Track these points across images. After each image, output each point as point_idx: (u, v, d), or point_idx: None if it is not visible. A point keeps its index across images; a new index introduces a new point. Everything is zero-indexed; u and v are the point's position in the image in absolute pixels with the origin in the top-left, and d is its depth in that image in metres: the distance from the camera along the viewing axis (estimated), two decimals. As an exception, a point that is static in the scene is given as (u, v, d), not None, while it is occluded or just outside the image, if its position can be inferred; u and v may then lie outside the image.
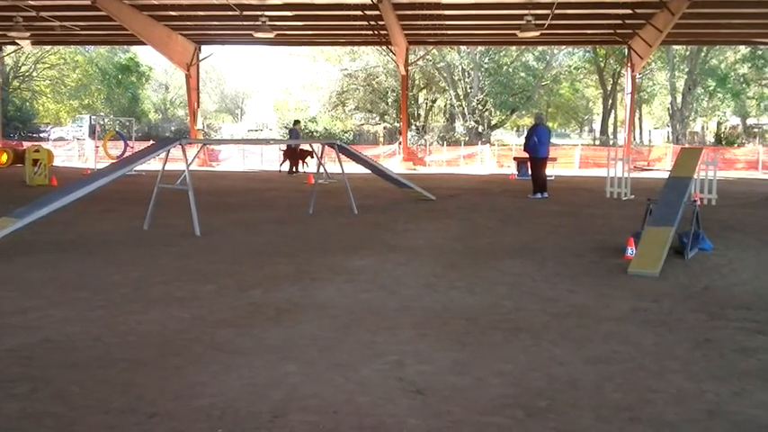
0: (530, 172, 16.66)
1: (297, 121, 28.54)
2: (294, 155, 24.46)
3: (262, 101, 64.36)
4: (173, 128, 47.25)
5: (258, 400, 3.64)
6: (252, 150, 31.53)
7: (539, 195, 15.29)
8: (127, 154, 22.09)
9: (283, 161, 25.11)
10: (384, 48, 31.20)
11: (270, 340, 4.72)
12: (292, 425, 3.35)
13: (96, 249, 8.38)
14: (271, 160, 31.18)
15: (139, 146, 23.36)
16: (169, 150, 10.69)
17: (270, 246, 8.79)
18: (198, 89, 30.71)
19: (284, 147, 25.52)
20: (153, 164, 17.57)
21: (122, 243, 8.89)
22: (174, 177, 10.83)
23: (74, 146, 33.68)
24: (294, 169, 24.36)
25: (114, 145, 26.47)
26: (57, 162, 25.84)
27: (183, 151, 10.31)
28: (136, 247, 8.55)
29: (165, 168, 10.59)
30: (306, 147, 24.18)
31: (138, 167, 13.60)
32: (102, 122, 37.24)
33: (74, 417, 3.44)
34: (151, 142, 14.14)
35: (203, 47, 30.29)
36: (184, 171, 10.15)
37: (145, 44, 27.89)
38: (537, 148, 15.42)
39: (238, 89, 71.37)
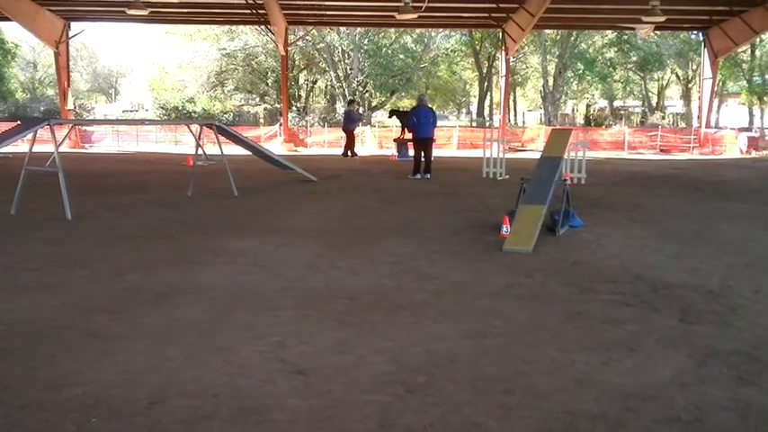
0: (411, 153, 16.91)
1: (351, 101, 26.50)
2: (349, 137, 23.50)
3: (137, 80, 62.35)
4: (42, 108, 44.94)
5: (135, 387, 3.56)
6: (127, 132, 30.51)
7: (418, 176, 15.51)
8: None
9: (349, 145, 23.73)
10: (263, 27, 30.82)
11: (147, 325, 4.61)
12: (171, 410, 3.30)
13: (-42, 236, 7.93)
14: (147, 142, 30.33)
15: (4, 127, 22.14)
16: (37, 131, 10.23)
17: (147, 229, 8.56)
18: (68, 68, 29.41)
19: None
20: (20, 145, 16.70)
21: (-13, 229, 8.45)
22: (43, 160, 10.34)
23: (-69, 127, 31.60)
24: (349, 153, 23.29)
25: (-24, 126, 25.02)
26: None
27: (52, 132, 9.87)
28: (3, 233, 8.14)
29: (34, 150, 10.11)
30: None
31: (4, 149, 12.90)
32: (-38, 102, 35.04)
33: (-65, 412, 3.27)
34: (17, 123, 13.44)
35: (73, 23, 28.99)
36: (54, 153, 9.73)
37: (10, 20, 26.40)
38: (417, 128, 15.63)
39: (112, 68, 68.79)
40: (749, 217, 9.88)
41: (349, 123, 23.71)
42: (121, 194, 12.04)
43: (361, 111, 25.45)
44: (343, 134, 24.42)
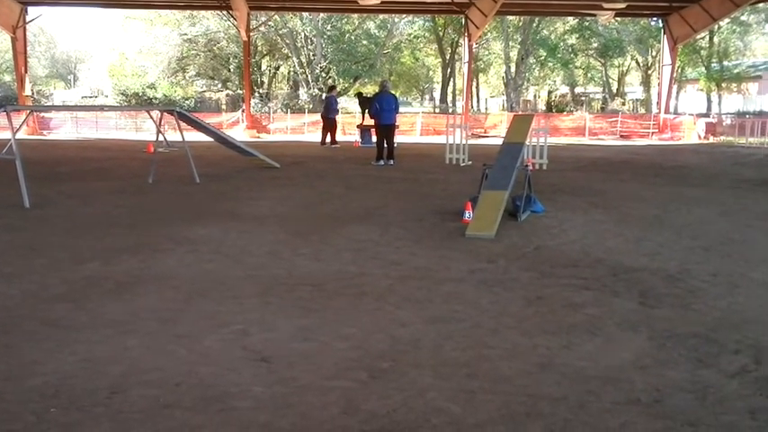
0: (374, 139, 16.90)
1: (332, 87, 25.11)
2: (330, 125, 22.60)
3: (96, 66, 61.27)
4: (-1, 94, 44.15)
5: (95, 377, 3.52)
6: (87, 118, 30.04)
7: (381, 162, 15.51)
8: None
9: (325, 133, 22.73)
10: (225, 13, 30.46)
11: (108, 314, 4.55)
12: (132, 400, 3.26)
13: None
14: (107, 129, 29.90)
15: (-41, 113, 21.67)
16: (-8, 118, 10.04)
17: (107, 217, 8.45)
18: (25, 53, 28.84)
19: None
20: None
21: (-59, 218, 8.27)
22: (-1, 146, 10.16)
23: None
24: (329, 141, 22.32)
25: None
26: None
27: (9, 119, 9.70)
28: (-43, 222, 7.98)
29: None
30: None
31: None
32: None
33: None
34: (-28, 109, 13.16)
35: (30, 8, 28.38)
36: (10, 140, 9.56)
37: (-37, 5, 25.82)
38: (380, 114, 15.60)
39: (71, 54, 67.51)
40: (707, 201, 10.05)
41: (330, 111, 22.83)
42: (81, 182, 11.86)
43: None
44: (321, 121, 23.42)
